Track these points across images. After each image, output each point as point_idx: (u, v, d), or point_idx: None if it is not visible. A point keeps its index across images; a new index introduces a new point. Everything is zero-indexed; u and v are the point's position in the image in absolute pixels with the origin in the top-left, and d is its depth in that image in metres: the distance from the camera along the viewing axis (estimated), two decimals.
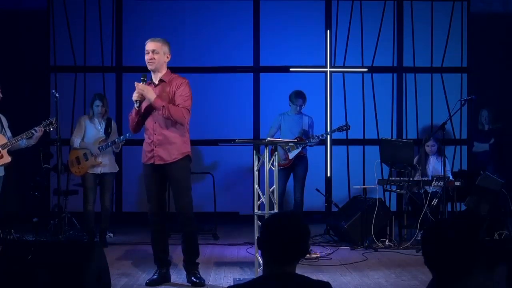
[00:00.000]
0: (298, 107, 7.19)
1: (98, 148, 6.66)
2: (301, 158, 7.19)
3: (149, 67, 4.87)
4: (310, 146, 7.23)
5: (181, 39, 8.50)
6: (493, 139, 7.61)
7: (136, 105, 4.80)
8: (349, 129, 7.36)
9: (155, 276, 4.89)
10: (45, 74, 8.58)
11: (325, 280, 2.27)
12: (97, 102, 6.76)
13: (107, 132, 6.78)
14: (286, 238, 2.20)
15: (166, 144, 4.79)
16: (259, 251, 4.84)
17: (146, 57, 4.85)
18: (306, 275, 2.31)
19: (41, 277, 3.87)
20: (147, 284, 4.82)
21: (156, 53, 4.83)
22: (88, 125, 6.79)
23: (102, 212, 6.82)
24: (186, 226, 4.87)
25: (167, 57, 4.89)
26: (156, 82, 4.88)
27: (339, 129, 7.33)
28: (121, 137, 6.74)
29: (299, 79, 8.50)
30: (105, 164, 6.75)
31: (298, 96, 7.19)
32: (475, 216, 6.83)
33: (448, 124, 7.15)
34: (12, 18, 8.71)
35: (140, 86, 4.74)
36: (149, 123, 4.85)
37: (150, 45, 4.86)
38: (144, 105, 4.83)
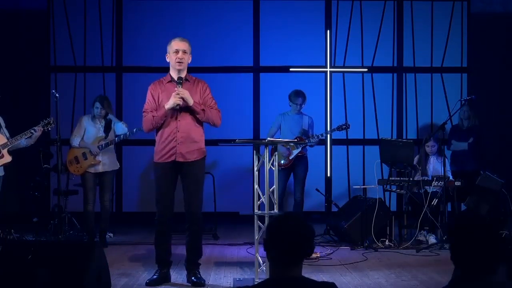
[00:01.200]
0: (298, 106, 7.19)
1: (98, 147, 6.66)
2: (301, 158, 7.19)
3: (178, 67, 4.84)
4: (311, 146, 7.23)
5: None
6: (472, 139, 7.52)
7: (171, 108, 4.73)
8: (349, 128, 7.36)
9: (155, 276, 4.88)
10: (45, 74, 8.58)
11: (326, 281, 2.26)
12: (97, 105, 6.77)
13: (106, 131, 6.78)
14: (292, 239, 2.21)
15: (189, 142, 4.79)
16: (260, 252, 4.84)
17: (175, 56, 4.82)
18: (306, 275, 2.31)
19: (41, 277, 3.87)
20: (147, 284, 4.82)
21: (185, 53, 4.85)
22: (89, 125, 6.79)
23: (102, 212, 6.82)
24: (194, 225, 4.88)
25: (190, 58, 4.95)
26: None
27: (339, 128, 7.33)
28: (134, 129, 6.68)
29: (299, 79, 8.50)
30: (105, 163, 6.75)
31: (297, 95, 7.19)
32: (475, 216, 6.83)
33: (448, 124, 7.15)
34: (12, 18, 8.70)
35: (181, 91, 4.72)
36: (171, 120, 4.80)
37: (180, 45, 4.84)
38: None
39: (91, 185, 6.73)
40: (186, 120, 4.80)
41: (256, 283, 4.73)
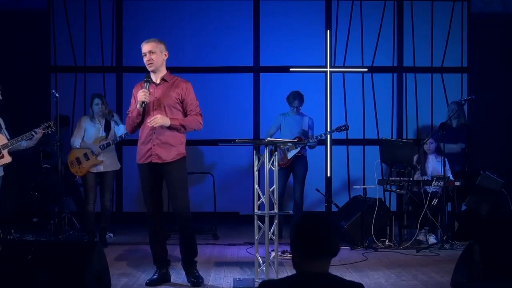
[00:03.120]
0: (295, 108, 7.23)
1: (99, 146, 6.66)
2: (301, 158, 7.19)
3: (149, 69, 4.87)
4: (310, 147, 7.23)
5: (181, 39, 8.51)
6: (464, 145, 7.50)
7: (141, 106, 4.76)
8: (348, 129, 7.36)
9: (155, 276, 4.89)
10: (45, 74, 8.58)
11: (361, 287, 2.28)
12: (97, 101, 6.76)
13: (107, 130, 6.77)
14: (314, 233, 2.27)
15: (166, 145, 4.78)
16: (260, 252, 4.84)
17: (144, 59, 4.86)
18: None
19: (41, 277, 3.87)
20: (147, 284, 4.82)
21: (152, 53, 4.83)
22: (88, 125, 6.79)
23: (102, 211, 6.82)
24: (183, 226, 4.86)
25: (165, 55, 4.90)
26: (158, 82, 4.87)
27: (338, 129, 7.33)
28: (123, 135, 6.72)
29: (299, 79, 8.50)
30: (106, 163, 6.75)
31: (294, 97, 7.23)
32: (475, 216, 6.84)
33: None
34: (12, 18, 8.70)
35: (154, 121, 4.67)
36: (147, 123, 4.80)
37: (145, 47, 4.86)
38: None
39: (91, 185, 6.73)
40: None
41: (256, 283, 4.76)
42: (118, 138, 6.76)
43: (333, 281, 2.26)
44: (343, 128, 7.28)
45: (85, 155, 6.71)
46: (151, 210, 4.87)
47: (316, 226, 2.28)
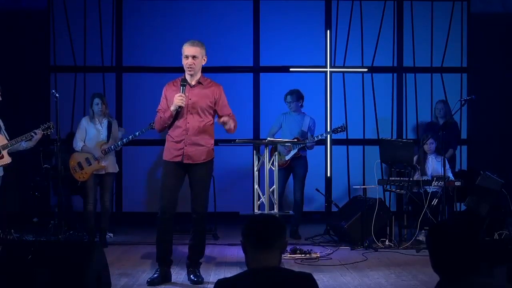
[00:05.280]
0: (288, 104, 7.28)
1: (102, 152, 6.65)
2: (300, 159, 7.20)
3: (189, 73, 4.89)
4: (309, 148, 7.22)
5: (181, 39, 8.40)
6: (452, 150, 7.50)
7: (175, 110, 4.79)
8: (344, 130, 7.34)
9: (156, 275, 4.91)
10: (45, 74, 8.58)
11: (310, 277, 2.40)
12: (97, 100, 6.75)
13: (108, 134, 6.76)
14: (261, 227, 2.44)
15: (197, 145, 4.86)
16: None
17: (186, 61, 4.86)
18: None
19: (41, 277, 3.87)
20: (148, 283, 4.83)
21: (196, 58, 4.85)
22: (89, 126, 6.77)
23: (102, 212, 6.82)
24: (199, 225, 4.94)
25: (204, 59, 4.95)
26: (193, 84, 4.91)
27: (335, 131, 7.33)
28: (136, 133, 6.72)
29: (299, 79, 8.50)
30: (107, 165, 6.74)
31: (287, 94, 7.31)
32: (475, 216, 6.84)
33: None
34: (12, 18, 8.70)
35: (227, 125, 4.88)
36: (181, 122, 4.86)
37: (190, 50, 4.87)
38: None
39: (91, 185, 6.73)
40: (195, 123, 4.86)
41: None
42: (119, 142, 6.74)
43: (283, 272, 2.38)
44: (339, 129, 7.28)
45: (87, 160, 6.69)
46: (166, 207, 4.89)
47: (262, 222, 2.45)
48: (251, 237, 2.39)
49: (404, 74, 8.79)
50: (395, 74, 8.79)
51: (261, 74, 8.72)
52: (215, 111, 4.98)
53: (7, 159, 6.01)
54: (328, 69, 8.64)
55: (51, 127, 6.13)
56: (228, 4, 8.71)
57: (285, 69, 8.61)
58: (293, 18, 8.70)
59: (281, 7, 8.70)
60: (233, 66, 8.68)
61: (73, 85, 8.60)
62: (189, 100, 4.83)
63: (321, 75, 8.68)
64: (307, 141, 7.04)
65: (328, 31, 8.66)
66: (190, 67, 4.84)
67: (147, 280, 4.87)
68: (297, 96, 7.28)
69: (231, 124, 4.89)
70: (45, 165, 7.10)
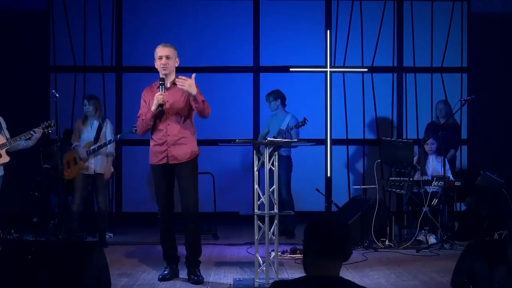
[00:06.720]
0: (268, 104, 7.38)
1: (86, 152, 6.65)
2: (280, 159, 7.00)
3: (163, 72, 4.93)
4: (292, 146, 7.08)
5: (181, 39, 8.49)
6: (454, 150, 7.50)
7: (157, 109, 4.81)
8: (304, 124, 7.07)
9: (166, 272, 5.04)
10: (45, 74, 8.58)
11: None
12: (84, 102, 6.81)
13: (96, 134, 6.74)
14: (333, 235, 2.25)
15: (180, 144, 4.89)
16: (260, 252, 4.84)
17: (159, 62, 4.92)
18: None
19: (41, 277, 3.87)
20: (159, 279, 4.97)
21: (169, 58, 4.91)
22: (81, 127, 6.81)
23: (99, 213, 6.81)
24: (191, 224, 4.95)
25: (177, 61, 5.00)
26: (168, 86, 4.96)
27: (297, 126, 7.15)
28: (118, 135, 6.77)
29: (299, 79, 8.50)
30: (97, 165, 6.72)
31: (266, 95, 7.39)
32: (475, 216, 6.85)
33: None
34: (12, 18, 8.70)
35: (180, 81, 4.74)
36: (161, 124, 4.92)
37: (163, 51, 4.92)
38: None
39: (79, 185, 6.72)
40: (175, 123, 4.90)
41: (256, 283, 4.76)
42: (106, 144, 6.71)
43: (344, 284, 2.23)
44: (300, 124, 7.14)
45: (75, 159, 6.73)
46: (163, 209, 5.00)
47: (330, 228, 2.26)
48: (316, 243, 2.25)
49: (404, 74, 8.79)
50: (395, 74, 8.79)
51: (261, 74, 8.72)
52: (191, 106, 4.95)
53: (5, 158, 6.01)
54: (328, 69, 8.62)
55: (51, 125, 6.11)
56: (228, 4, 8.71)
57: (285, 69, 8.61)
58: (293, 18, 8.70)
59: (281, 7, 8.70)
60: (233, 66, 8.68)
61: (73, 85, 8.61)
62: (167, 102, 4.88)
63: (321, 75, 8.67)
64: (279, 137, 6.90)
65: (328, 31, 8.65)
66: (165, 67, 4.89)
67: (158, 277, 5.00)
68: (274, 96, 7.32)
69: (198, 97, 4.75)
70: (45, 165, 7.09)
